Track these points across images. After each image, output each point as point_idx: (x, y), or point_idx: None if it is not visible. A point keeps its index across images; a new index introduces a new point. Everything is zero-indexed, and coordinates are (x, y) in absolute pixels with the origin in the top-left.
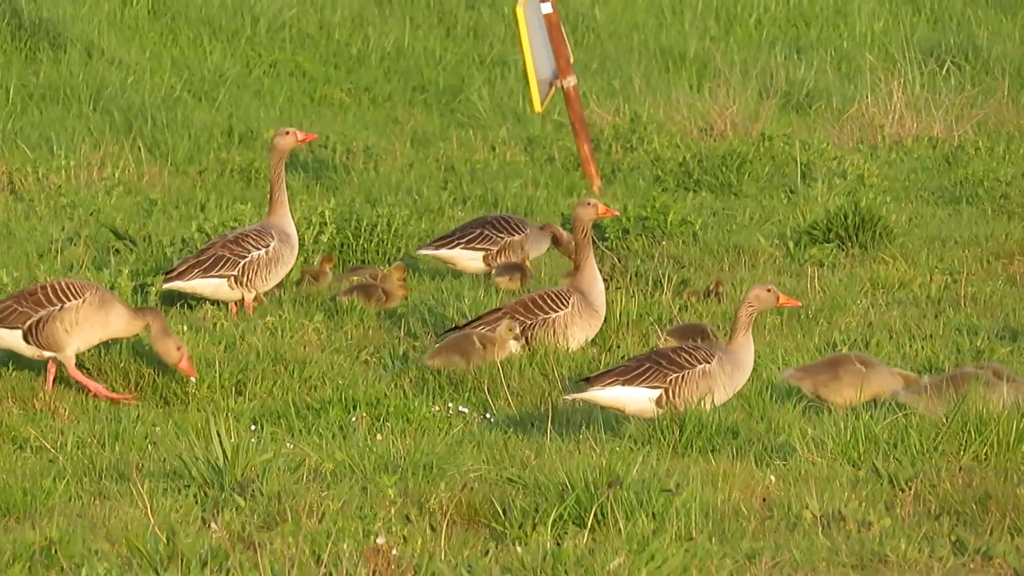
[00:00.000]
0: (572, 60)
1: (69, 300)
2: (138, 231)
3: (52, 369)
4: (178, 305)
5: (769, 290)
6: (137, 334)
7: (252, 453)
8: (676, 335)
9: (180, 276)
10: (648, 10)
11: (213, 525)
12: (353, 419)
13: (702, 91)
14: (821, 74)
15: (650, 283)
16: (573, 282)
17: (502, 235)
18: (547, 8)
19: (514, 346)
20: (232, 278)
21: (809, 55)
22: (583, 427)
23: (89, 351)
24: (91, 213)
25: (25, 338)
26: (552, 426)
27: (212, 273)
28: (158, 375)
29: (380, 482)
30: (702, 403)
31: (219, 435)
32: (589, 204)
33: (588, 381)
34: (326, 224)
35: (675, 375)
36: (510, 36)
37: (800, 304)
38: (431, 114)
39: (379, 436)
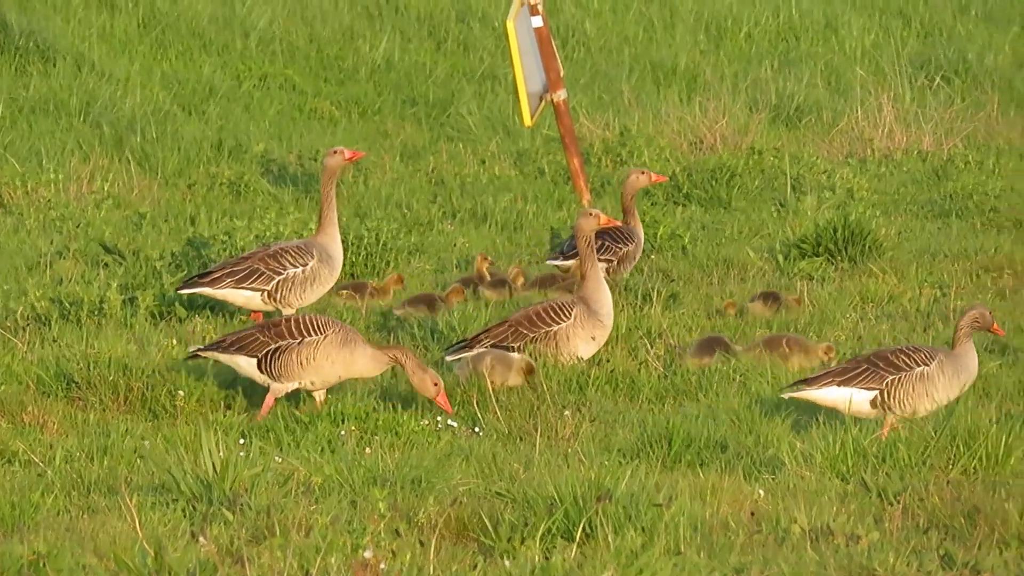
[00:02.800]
0: (562, 74)
1: (310, 335)
2: (127, 245)
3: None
4: (201, 313)
5: (992, 312)
6: (383, 372)
7: (241, 467)
8: (696, 349)
9: (212, 283)
10: (638, 24)
11: (201, 539)
12: (342, 433)
13: (692, 105)
14: (811, 88)
15: (640, 297)
16: (578, 292)
17: (620, 245)
18: (537, 22)
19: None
20: (265, 293)
21: (799, 69)
22: (572, 441)
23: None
24: (80, 227)
25: (259, 366)
26: (541, 440)
27: (244, 285)
28: (147, 389)
29: (369, 496)
30: (921, 406)
31: (208, 449)
32: (591, 215)
33: (806, 382)
34: None
35: (892, 377)
36: (500, 50)
37: (1003, 334)
38: (421, 128)
39: (368, 450)
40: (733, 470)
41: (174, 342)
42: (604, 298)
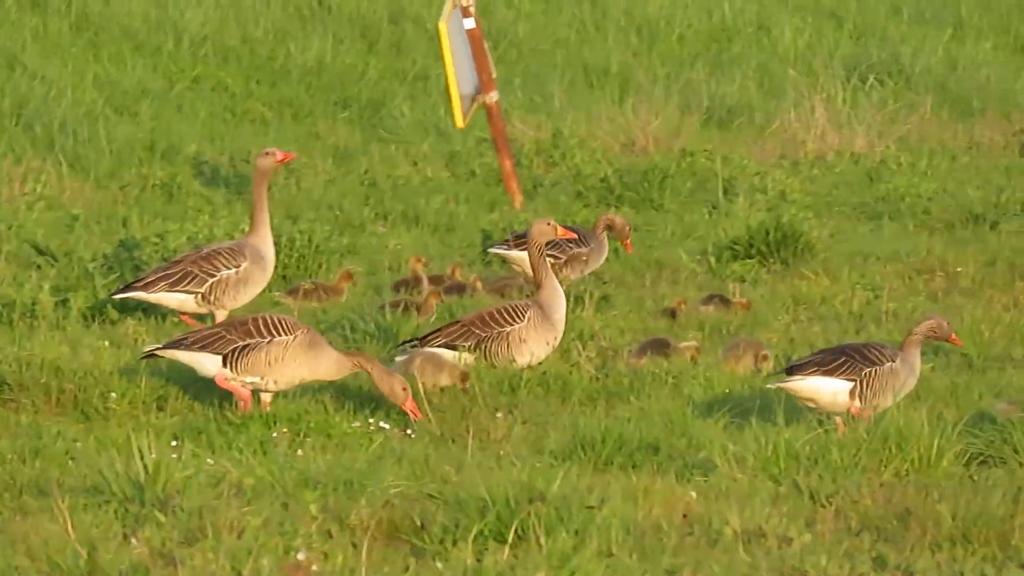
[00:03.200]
0: (494, 75)
1: (280, 335)
2: (59, 246)
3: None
4: (133, 315)
5: (948, 323)
6: (344, 376)
7: (173, 469)
8: (641, 351)
9: (146, 287)
10: (570, 25)
11: (134, 541)
12: (274, 435)
13: (624, 106)
14: (743, 89)
15: (572, 299)
16: (534, 297)
17: (571, 245)
18: (470, 23)
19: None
20: (199, 295)
21: (731, 70)
22: (504, 443)
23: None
24: (12, 228)
25: (224, 363)
26: (473, 442)
27: (178, 288)
28: (79, 391)
29: (301, 498)
30: (885, 400)
31: (140, 451)
32: (548, 224)
33: (789, 372)
34: None
35: (868, 369)
36: (432, 51)
37: (961, 344)
38: (353, 129)
39: (300, 452)
40: (665, 472)
41: (106, 344)
42: (558, 303)
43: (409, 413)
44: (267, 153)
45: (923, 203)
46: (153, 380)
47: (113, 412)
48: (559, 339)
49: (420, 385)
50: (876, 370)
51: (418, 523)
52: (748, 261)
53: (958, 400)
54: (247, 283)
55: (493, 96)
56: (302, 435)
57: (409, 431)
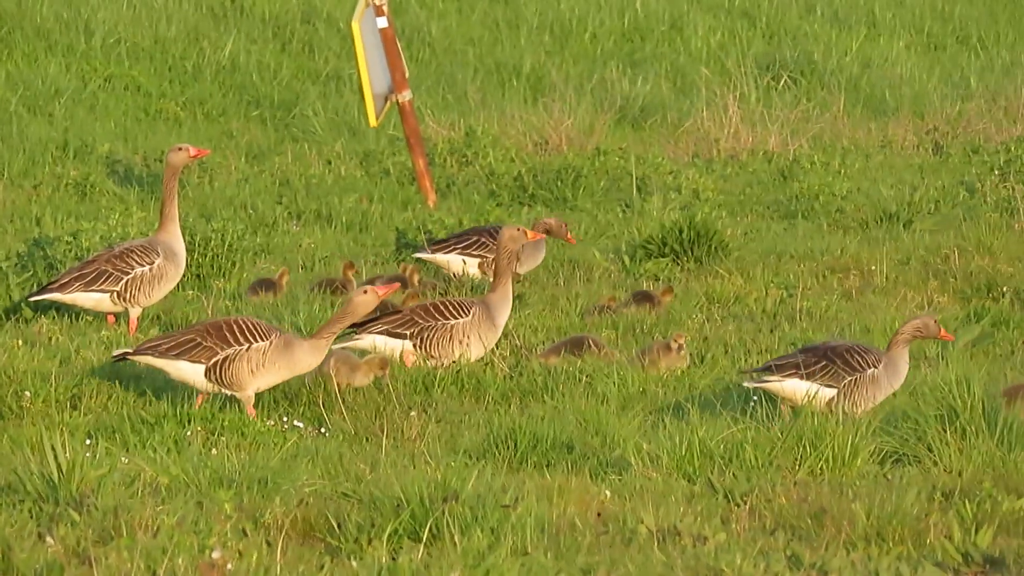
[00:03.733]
0: (407, 75)
1: (257, 341)
2: None
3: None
4: (47, 314)
5: (936, 320)
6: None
7: (87, 468)
8: (558, 350)
9: (61, 288)
10: (483, 25)
11: (48, 540)
12: (188, 433)
13: (537, 106)
14: (656, 88)
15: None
16: (483, 296)
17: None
18: (383, 23)
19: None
20: (115, 293)
21: (644, 69)
22: (418, 441)
23: None
24: None
25: (207, 374)
26: (387, 440)
27: (94, 287)
28: None
29: (215, 497)
30: (864, 407)
31: (54, 449)
32: (518, 230)
33: (768, 370)
34: None
35: (850, 378)
36: (345, 50)
37: (952, 339)
38: (266, 128)
39: (214, 451)
40: (580, 471)
41: (19, 343)
42: (505, 309)
43: (383, 290)
44: (180, 148)
45: (837, 202)
46: (67, 379)
47: (27, 411)
48: (496, 339)
49: (335, 385)
50: (858, 378)
51: (333, 522)
52: (662, 260)
53: None
54: (161, 280)
55: (406, 95)
56: (216, 434)
57: (323, 429)
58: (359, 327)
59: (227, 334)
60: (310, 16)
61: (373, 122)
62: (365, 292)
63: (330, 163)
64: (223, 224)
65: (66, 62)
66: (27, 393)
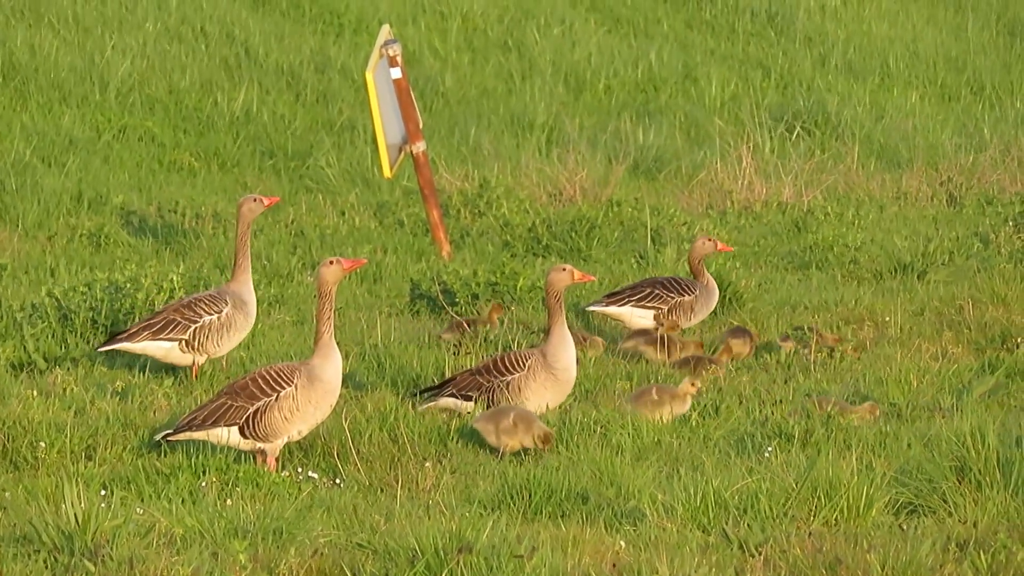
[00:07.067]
0: (421, 125)
1: (284, 387)
2: None
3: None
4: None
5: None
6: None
7: (102, 518)
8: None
9: (130, 338)
10: (497, 76)
11: None
12: (203, 484)
13: (551, 156)
14: (670, 139)
15: (500, 348)
16: (540, 345)
17: (672, 295)
18: (396, 73)
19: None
20: (183, 342)
21: (658, 120)
22: (433, 492)
23: None
24: None
25: (243, 432)
26: (402, 491)
27: (162, 336)
28: (7, 440)
29: (230, 547)
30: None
31: (69, 500)
32: (564, 270)
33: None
34: (176, 289)
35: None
36: (359, 101)
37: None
38: (280, 179)
39: (229, 501)
40: (594, 521)
41: (34, 393)
42: (564, 353)
43: (348, 263)
44: (253, 199)
45: (851, 253)
46: (82, 430)
47: (42, 461)
48: (567, 387)
49: (504, 445)
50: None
51: (348, 572)
52: None
53: (887, 449)
54: (230, 328)
55: (420, 146)
56: (231, 484)
57: (338, 480)
58: (434, 392)
59: (253, 389)
60: (324, 67)
61: (387, 173)
62: (331, 263)
63: (344, 214)
64: None
65: (80, 113)
66: (42, 444)
